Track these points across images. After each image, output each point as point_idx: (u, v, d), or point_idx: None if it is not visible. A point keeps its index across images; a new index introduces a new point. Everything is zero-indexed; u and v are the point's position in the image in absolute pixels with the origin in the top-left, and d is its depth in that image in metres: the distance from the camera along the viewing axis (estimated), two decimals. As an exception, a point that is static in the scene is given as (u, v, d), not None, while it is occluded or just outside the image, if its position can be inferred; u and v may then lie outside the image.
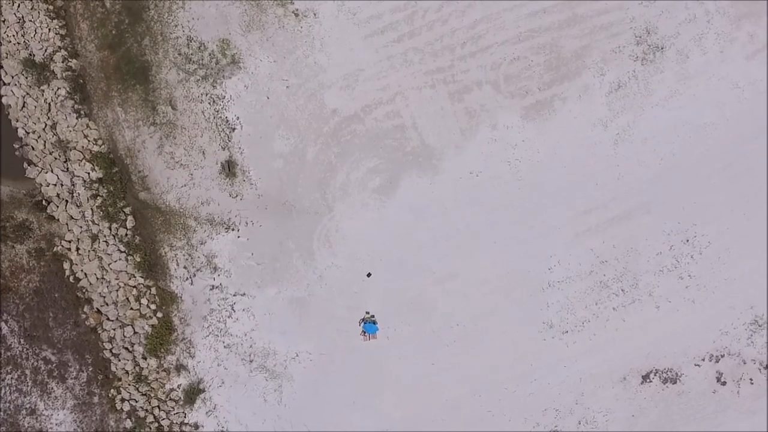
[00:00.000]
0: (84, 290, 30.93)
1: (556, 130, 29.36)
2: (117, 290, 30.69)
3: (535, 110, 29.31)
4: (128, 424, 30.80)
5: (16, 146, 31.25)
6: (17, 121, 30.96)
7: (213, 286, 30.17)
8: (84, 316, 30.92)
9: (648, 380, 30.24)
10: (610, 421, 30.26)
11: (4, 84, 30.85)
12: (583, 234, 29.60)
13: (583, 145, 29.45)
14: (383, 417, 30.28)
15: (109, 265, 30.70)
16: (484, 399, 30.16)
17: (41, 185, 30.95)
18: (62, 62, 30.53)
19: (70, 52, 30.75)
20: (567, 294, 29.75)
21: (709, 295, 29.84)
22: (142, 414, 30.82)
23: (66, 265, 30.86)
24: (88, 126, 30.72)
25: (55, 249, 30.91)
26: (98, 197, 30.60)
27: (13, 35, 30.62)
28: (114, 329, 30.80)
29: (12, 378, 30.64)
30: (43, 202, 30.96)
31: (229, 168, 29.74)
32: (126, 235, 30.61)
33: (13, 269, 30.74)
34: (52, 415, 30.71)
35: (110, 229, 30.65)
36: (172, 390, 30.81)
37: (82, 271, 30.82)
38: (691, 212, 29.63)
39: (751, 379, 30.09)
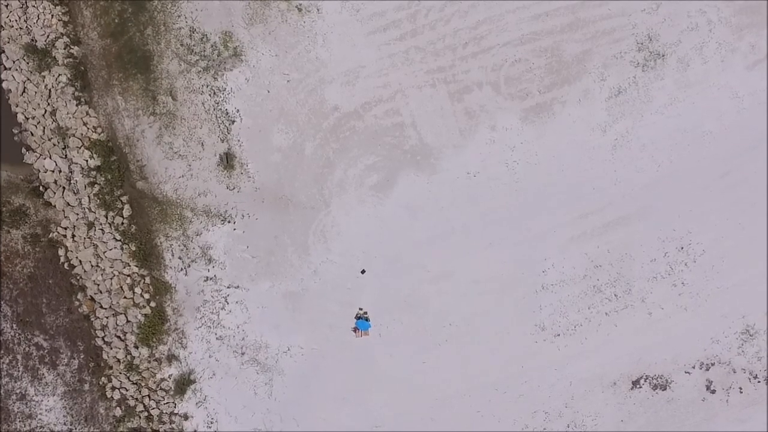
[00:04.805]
0: (78, 277, 30.95)
1: (555, 133, 29.43)
2: (111, 278, 30.72)
3: (535, 113, 29.37)
4: (118, 412, 30.83)
5: (15, 131, 31.26)
6: (17, 106, 30.97)
7: (207, 277, 30.20)
8: (77, 303, 30.95)
9: (638, 386, 30.32)
10: (599, 426, 30.33)
11: (5, 69, 30.87)
12: (579, 238, 29.68)
13: (581, 149, 29.52)
14: (373, 414, 30.34)
15: (104, 253, 30.72)
16: (474, 399, 30.22)
17: (39, 171, 30.96)
18: (64, 49, 30.53)
19: (72, 39, 30.76)
20: (560, 297, 29.82)
21: (701, 303, 29.94)
22: (132, 403, 30.85)
23: (61, 252, 30.87)
24: (87, 113, 30.73)
25: (50, 235, 30.93)
26: (95, 185, 30.62)
27: (16, 20, 30.64)
28: (107, 317, 30.83)
29: (3, 363, 30.65)
30: (41, 188, 30.97)
31: (227, 160, 29.77)
32: (122, 223, 30.63)
33: (8, 254, 30.75)
34: (42, 401, 30.73)
35: (106, 218, 30.67)
36: (162, 380, 30.84)
37: (77, 258, 30.84)
38: (687, 220, 29.72)
39: (740, 388, 30.19)
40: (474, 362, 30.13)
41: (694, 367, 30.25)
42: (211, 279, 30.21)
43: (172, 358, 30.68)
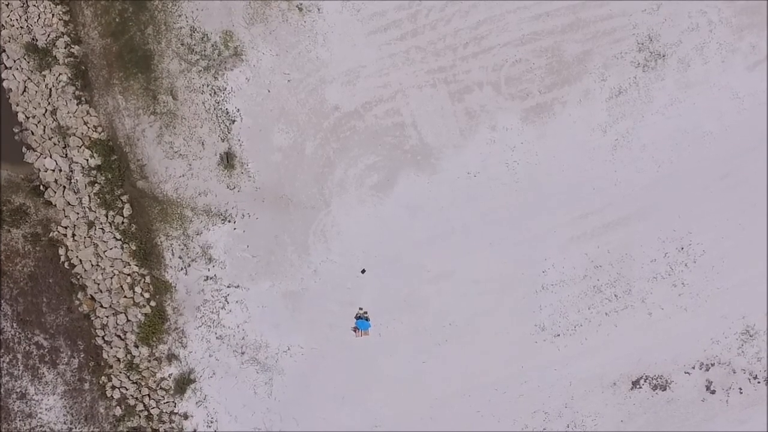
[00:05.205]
0: (78, 276, 30.95)
1: (555, 133, 29.43)
2: (111, 278, 30.72)
3: (535, 113, 29.37)
4: (118, 411, 30.83)
5: (16, 130, 31.26)
6: (18, 105, 30.96)
7: (207, 277, 30.20)
8: (77, 302, 30.95)
9: (638, 386, 30.33)
10: (599, 426, 30.34)
11: (6, 68, 30.86)
12: (579, 238, 29.68)
13: (581, 149, 29.53)
14: (372, 413, 30.34)
15: (104, 252, 30.73)
16: (474, 399, 30.23)
17: (39, 170, 30.96)
18: (65, 48, 30.54)
19: (73, 39, 30.76)
20: (560, 297, 29.83)
21: (701, 303, 29.95)
22: (132, 402, 30.86)
23: (61, 251, 30.88)
24: (88, 113, 30.74)
25: (51, 234, 30.93)
26: (96, 184, 30.62)
27: (17, 19, 30.64)
28: (107, 316, 30.84)
29: (3, 362, 30.67)
30: (41, 187, 30.96)
31: (227, 160, 29.78)
32: (122, 223, 30.64)
33: (9, 253, 30.76)
34: (42, 400, 30.74)
35: (107, 217, 30.68)
36: (162, 379, 30.85)
37: (77, 257, 30.85)
38: (687, 220, 29.73)
39: (740, 389, 30.20)
40: (474, 362, 30.14)
41: (694, 368, 30.25)
42: (211, 278, 30.22)
43: (172, 357, 30.70)
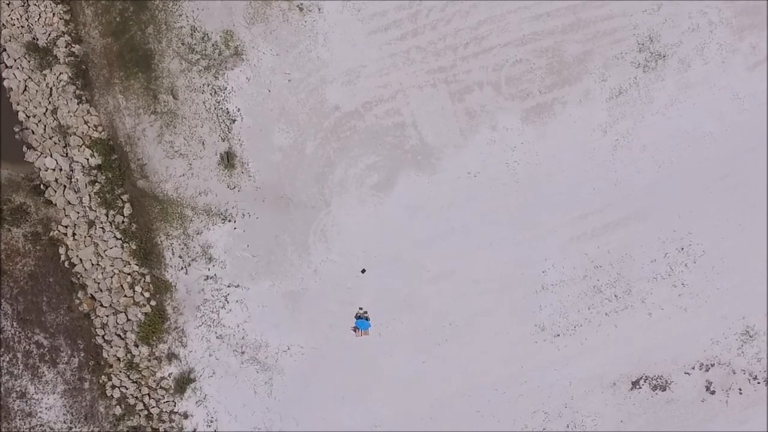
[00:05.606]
0: (78, 276, 30.97)
1: (556, 133, 29.44)
2: (111, 277, 30.73)
3: (536, 113, 29.38)
4: (118, 410, 30.84)
5: (16, 130, 31.28)
6: (18, 104, 30.98)
7: (207, 276, 30.21)
8: (78, 301, 30.96)
9: (638, 386, 30.33)
10: (599, 426, 30.34)
11: (7, 67, 30.88)
12: (579, 238, 29.69)
13: (581, 149, 29.54)
14: (372, 413, 30.35)
15: (104, 251, 30.74)
16: (474, 399, 30.24)
17: (40, 169, 30.98)
18: (65, 47, 30.56)
19: (74, 38, 30.78)
20: (560, 297, 29.83)
21: (701, 304, 29.95)
22: (132, 401, 30.87)
23: (61, 250, 30.90)
24: (88, 112, 30.76)
25: (51, 233, 30.95)
26: (96, 183, 30.64)
27: (17, 19, 30.67)
28: (107, 316, 30.85)
29: (3, 361, 30.68)
30: (41, 186, 30.99)
31: (228, 159, 29.80)
32: (122, 222, 30.66)
33: (9, 252, 30.78)
34: (42, 399, 30.76)
35: (107, 216, 30.69)
36: (162, 378, 30.86)
37: (77, 256, 30.86)
38: (687, 221, 29.73)
39: (740, 389, 30.20)
40: (474, 362, 30.14)
41: (693, 368, 30.26)
42: (211, 278, 30.23)
43: (172, 356, 30.71)
